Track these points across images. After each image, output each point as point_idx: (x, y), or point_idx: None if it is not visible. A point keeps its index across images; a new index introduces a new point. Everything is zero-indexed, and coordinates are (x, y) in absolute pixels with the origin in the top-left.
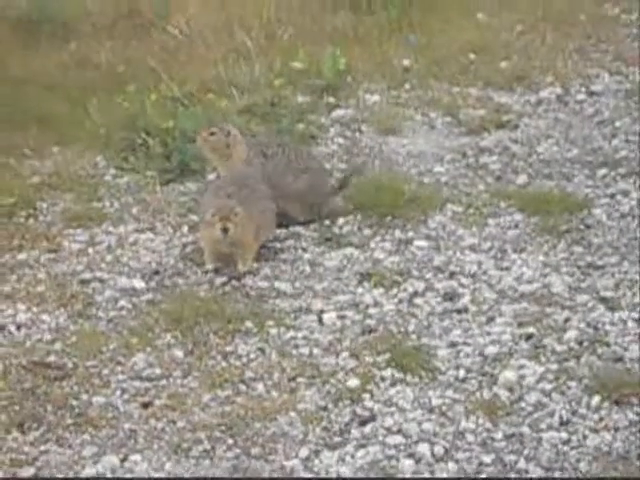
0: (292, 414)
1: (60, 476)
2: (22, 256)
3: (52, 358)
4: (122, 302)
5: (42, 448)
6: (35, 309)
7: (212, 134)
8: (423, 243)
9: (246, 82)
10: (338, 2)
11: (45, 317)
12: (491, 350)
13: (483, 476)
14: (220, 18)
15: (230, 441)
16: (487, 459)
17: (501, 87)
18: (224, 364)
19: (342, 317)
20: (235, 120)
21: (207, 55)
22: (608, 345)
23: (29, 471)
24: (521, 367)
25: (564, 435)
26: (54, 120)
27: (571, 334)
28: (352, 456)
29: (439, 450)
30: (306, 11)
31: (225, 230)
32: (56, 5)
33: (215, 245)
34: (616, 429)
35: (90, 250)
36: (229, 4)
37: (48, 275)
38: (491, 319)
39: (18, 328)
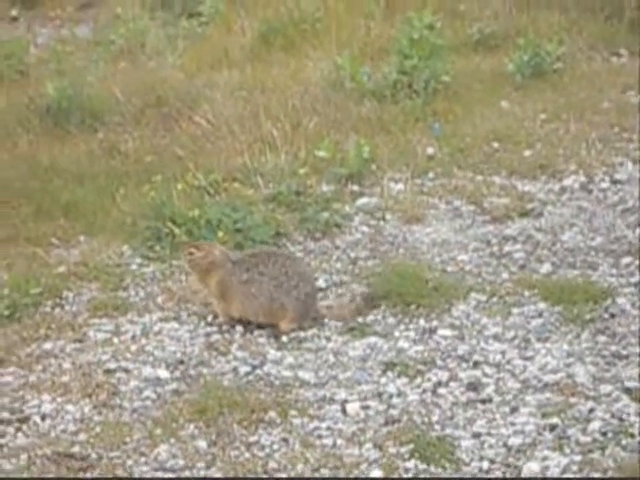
0: None
1: None
2: (48, 346)
3: (76, 449)
4: (146, 392)
5: None
6: (60, 399)
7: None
8: (447, 332)
9: (271, 171)
10: (362, 91)
11: (70, 407)
12: (515, 441)
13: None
14: (246, 107)
15: None
16: None
17: (525, 175)
18: (247, 455)
19: (366, 407)
20: (260, 209)
21: (233, 144)
22: (632, 436)
23: None
24: (545, 458)
25: None
26: (81, 209)
27: (595, 425)
28: None
29: None
30: (331, 100)
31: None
32: (85, 94)
33: None
34: None
35: (115, 340)
36: (255, 94)
37: (73, 365)
38: (515, 409)
39: (43, 419)
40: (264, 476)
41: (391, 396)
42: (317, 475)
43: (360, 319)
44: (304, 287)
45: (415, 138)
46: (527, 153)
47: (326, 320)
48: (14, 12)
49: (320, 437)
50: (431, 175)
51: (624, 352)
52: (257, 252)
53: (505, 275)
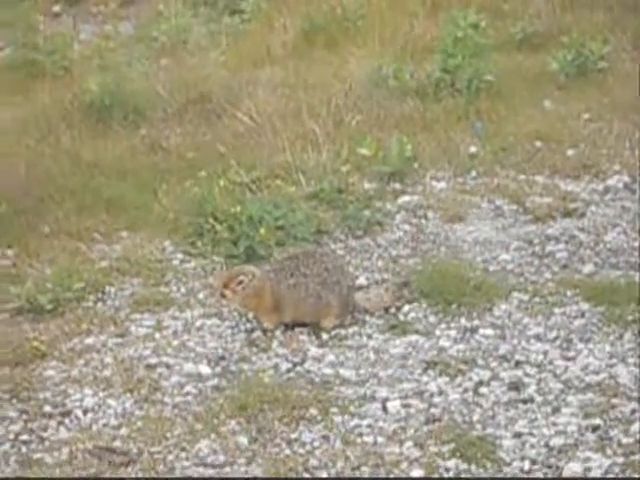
0: None
1: None
2: (90, 340)
3: (118, 443)
4: (188, 388)
5: None
6: (102, 394)
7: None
8: (489, 331)
9: (313, 168)
10: (405, 89)
11: (111, 402)
12: (557, 441)
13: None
14: (289, 105)
15: None
16: None
17: (568, 175)
18: (288, 451)
19: (406, 406)
20: (302, 206)
21: (275, 141)
22: None
23: None
24: (587, 459)
25: None
26: (124, 205)
27: (637, 426)
28: None
29: None
30: (373, 98)
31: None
32: (127, 90)
33: None
34: None
35: (157, 335)
36: (298, 91)
37: (115, 360)
38: (557, 409)
39: (85, 413)
40: (304, 473)
41: (432, 395)
42: (357, 473)
43: (401, 317)
44: (344, 281)
45: (458, 137)
46: (570, 152)
47: (366, 314)
48: (57, 8)
49: (361, 435)
50: (473, 174)
51: None
52: (291, 256)
53: (547, 275)
